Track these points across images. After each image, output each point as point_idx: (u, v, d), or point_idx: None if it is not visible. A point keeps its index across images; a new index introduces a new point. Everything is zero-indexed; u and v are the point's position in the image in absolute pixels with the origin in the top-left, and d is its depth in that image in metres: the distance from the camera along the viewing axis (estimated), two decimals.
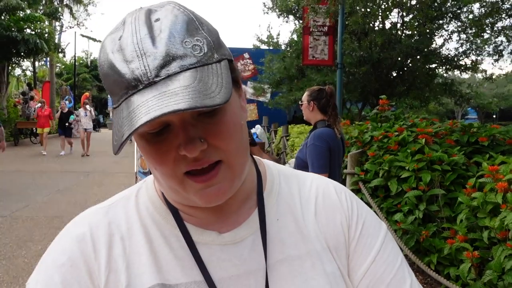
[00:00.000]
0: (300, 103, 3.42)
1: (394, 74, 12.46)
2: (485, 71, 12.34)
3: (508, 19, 9.20)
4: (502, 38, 10.31)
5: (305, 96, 3.36)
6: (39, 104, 16.38)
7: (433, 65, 12.38)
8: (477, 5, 10.20)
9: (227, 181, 0.65)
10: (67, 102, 25.37)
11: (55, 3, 24.82)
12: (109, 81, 0.61)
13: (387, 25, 12.02)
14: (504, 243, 2.72)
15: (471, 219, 3.16)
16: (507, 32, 9.62)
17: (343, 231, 0.77)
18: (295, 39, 15.73)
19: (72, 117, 15.50)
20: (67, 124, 15.11)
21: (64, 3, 26.27)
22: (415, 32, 10.97)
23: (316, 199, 0.80)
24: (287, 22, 15.63)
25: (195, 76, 0.57)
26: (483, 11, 9.35)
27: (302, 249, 0.73)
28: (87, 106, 15.88)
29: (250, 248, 0.72)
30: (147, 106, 0.54)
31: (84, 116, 15.60)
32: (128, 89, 0.58)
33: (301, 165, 3.13)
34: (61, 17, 23.01)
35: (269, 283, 0.69)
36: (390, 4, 8.85)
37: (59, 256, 0.70)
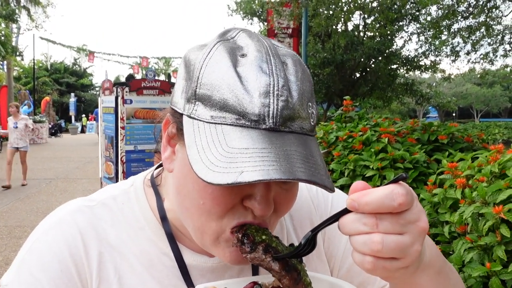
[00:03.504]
0: None
1: (358, 75, 12.75)
2: (444, 71, 12.79)
3: (463, 21, 9.57)
4: (458, 39, 10.71)
5: None
6: None
7: (395, 66, 12.75)
8: (434, 7, 10.56)
9: None
10: (26, 107, 24.62)
11: (12, 5, 23.95)
12: (215, 94, 0.57)
13: (350, 27, 12.30)
14: (463, 237, 2.83)
15: (433, 214, 3.27)
16: (463, 33, 10.00)
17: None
18: None
19: None
20: None
21: (22, 4, 25.39)
22: (377, 33, 11.26)
23: (293, 209, 0.82)
24: (251, 24, 15.71)
25: (310, 147, 0.58)
26: (440, 13, 9.68)
27: None
28: (21, 115, 10.51)
29: (239, 269, 0.75)
30: (279, 162, 0.52)
31: (14, 128, 9.93)
32: (242, 119, 0.55)
33: None
34: (18, 19, 22.23)
35: None
36: (352, 6, 9.03)
37: (46, 258, 0.66)
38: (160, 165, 0.79)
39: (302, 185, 0.86)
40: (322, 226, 0.54)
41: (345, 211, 0.51)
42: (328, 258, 0.82)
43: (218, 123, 0.56)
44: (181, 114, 0.62)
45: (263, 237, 0.60)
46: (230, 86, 0.56)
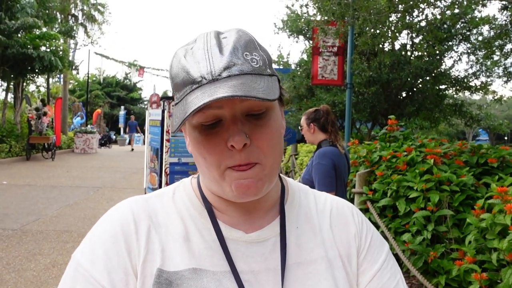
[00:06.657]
0: (300, 127, 3.46)
1: (404, 95, 12.47)
2: (495, 92, 12.31)
3: None
4: (511, 60, 10.32)
5: (303, 120, 3.41)
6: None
7: (443, 86, 12.38)
8: (486, 27, 10.26)
9: (259, 180, 0.75)
10: (79, 118, 25.77)
11: (71, 22, 25.33)
12: (177, 80, 0.73)
13: (397, 46, 12.11)
14: None
15: (480, 240, 3.14)
16: None
17: (355, 242, 0.88)
18: (305, 58, 15.85)
19: None
20: None
21: (79, 22, 26.81)
22: (425, 53, 11.01)
23: (330, 212, 0.91)
24: (297, 42, 15.81)
25: (250, 79, 0.69)
26: (492, 33, 9.39)
27: (316, 254, 0.83)
28: None
29: (271, 248, 0.81)
30: (204, 95, 0.67)
31: None
32: (193, 84, 0.70)
33: (308, 185, 3.15)
34: (75, 35, 23.41)
35: (284, 281, 0.77)
36: (399, 25, 8.92)
37: (103, 234, 0.80)
38: None
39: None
40: None
41: None
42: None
43: (183, 97, 0.72)
44: None
45: None
46: (183, 68, 0.72)
